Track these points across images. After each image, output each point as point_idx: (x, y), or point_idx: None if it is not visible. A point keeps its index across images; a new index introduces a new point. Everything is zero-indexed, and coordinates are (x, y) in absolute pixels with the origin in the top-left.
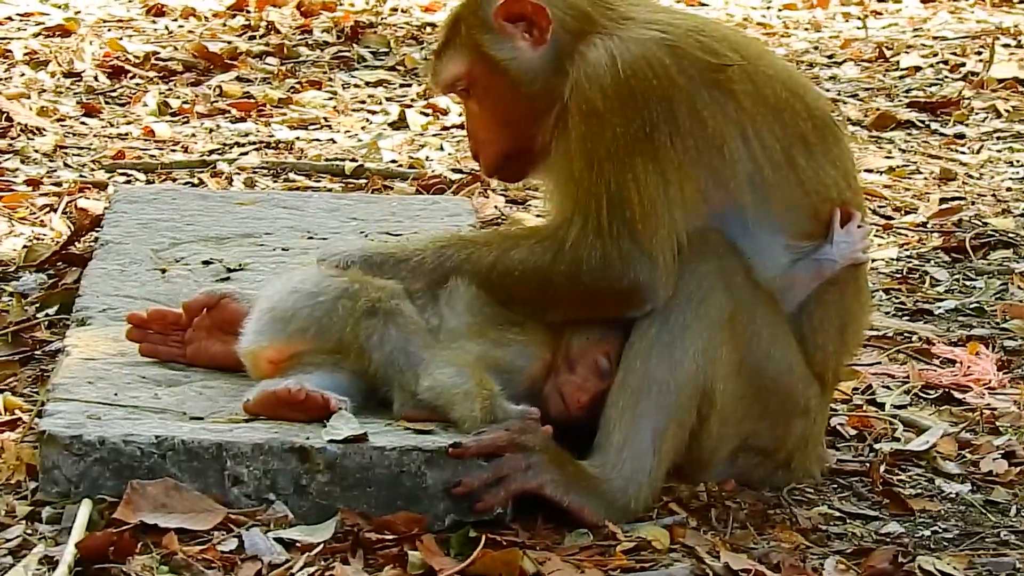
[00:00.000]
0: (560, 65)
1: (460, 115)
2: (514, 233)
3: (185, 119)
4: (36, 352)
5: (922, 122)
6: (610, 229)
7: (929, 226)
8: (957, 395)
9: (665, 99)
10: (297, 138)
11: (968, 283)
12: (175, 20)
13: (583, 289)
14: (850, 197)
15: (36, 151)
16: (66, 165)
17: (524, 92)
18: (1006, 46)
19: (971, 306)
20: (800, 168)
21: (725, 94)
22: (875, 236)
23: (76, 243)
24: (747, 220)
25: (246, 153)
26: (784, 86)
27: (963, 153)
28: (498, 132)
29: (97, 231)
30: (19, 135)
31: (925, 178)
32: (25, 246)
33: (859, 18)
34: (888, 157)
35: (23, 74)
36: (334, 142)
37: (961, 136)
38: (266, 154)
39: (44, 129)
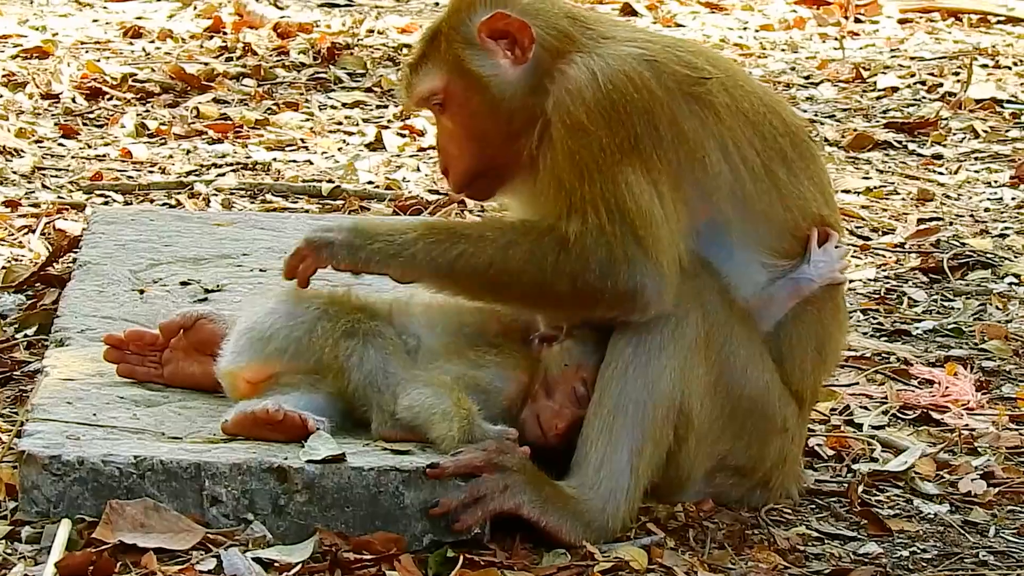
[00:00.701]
0: (539, 83)
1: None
2: (507, 227)
3: (162, 140)
4: (15, 373)
5: (900, 142)
6: (613, 230)
7: (907, 247)
8: (935, 416)
9: (647, 111)
10: (274, 159)
11: (946, 303)
12: (152, 42)
13: (585, 289)
14: (828, 214)
15: (14, 172)
16: (44, 186)
17: (502, 109)
18: (984, 66)
19: (949, 327)
20: (780, 182)
21: (704, 106)
22: (853, 257)
23: (54, 264)
24: (728, 235)
25: (223, 174)
26: (761, 101)
27: (941, 174)
28: (470, 149)
29: (75, 252)
30: None
31: (903, 198)
32: (3, 267)
33: (836, 39)
34: (866, 178)
35: (1, 96)
36: (311, 163)
37: (939, 156)
38: (243, 175)
39: (22, 150)
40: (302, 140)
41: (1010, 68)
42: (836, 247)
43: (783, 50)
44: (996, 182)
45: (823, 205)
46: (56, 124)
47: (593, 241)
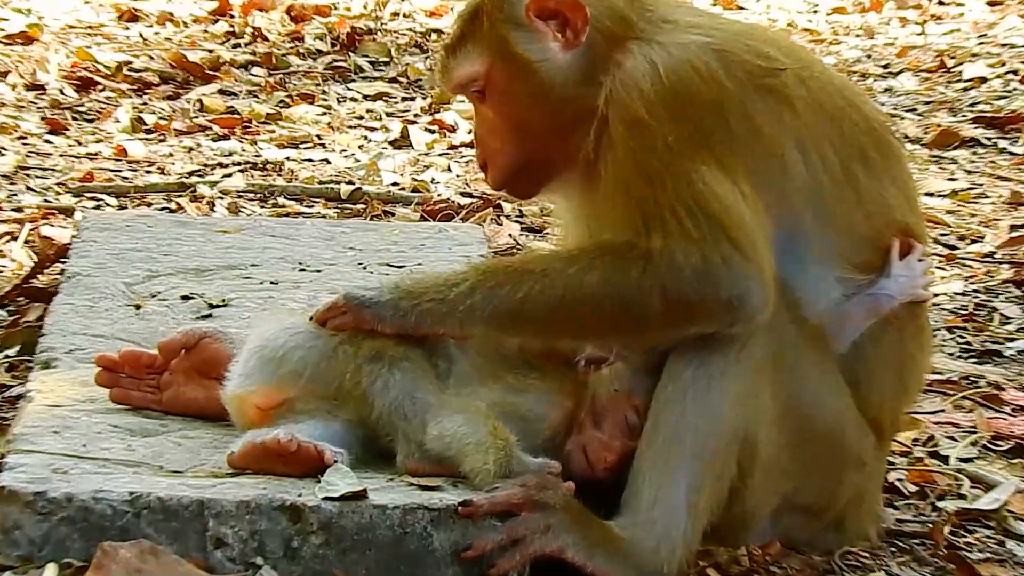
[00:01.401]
0: (591, 73)
1: (470, 132)
2: (574, 254)
3: (161, 137)
4: None
5: (989, 139)
6: (702, 235)
7: (998, 256)
8: None
9: (716, 106)
10: (287, 158)
11: None
12: (150, 26)
13: (680, 304)
14: (912, 222)
15: None
16: (28, 188)
17: (550, 98)
18: None
19: None
20: (861, 186)
21: (779, 100)
22: (937, 268)
23: (40, 276)
24: (803, 246)
25: (230, 175)
26: (839, 93)
27: None
28: (513, 141)
29: (63, 262)
30: None
31: (993, 202)
32: None
33: (917, 23)
34: (951, 179)
35: None
36: (328, 163)
37: None
38: (252, 176)
39: (3, 148)
40: (318, 136)
41: None
42: (920, 260)
43: (858, 36)
44: None
45: (907, 211)
46: (42, 118)
47: (682, 250)
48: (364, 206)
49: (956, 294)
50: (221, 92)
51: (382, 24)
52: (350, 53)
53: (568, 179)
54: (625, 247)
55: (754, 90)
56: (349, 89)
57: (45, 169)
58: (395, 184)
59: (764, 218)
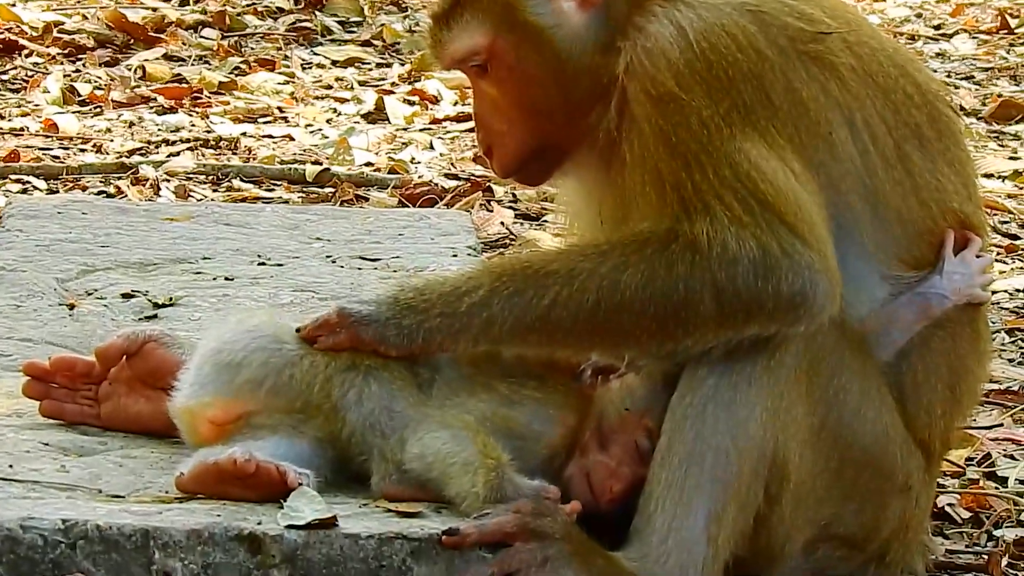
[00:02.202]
0: (609, 38)
1: (456, 103)
2: (606, 249)
3: (98, 109)
4: None
5: None
6: (754, 221)
7: None
8: None
9: (755, 76)
10: (244, 134)
11: None
12: None
13: (736, 302)
14: (971, 212)
15: None
16: None
17: (564, 70)
18: None
19: None
20: (915, 169)
21: (825, 68)
22: (996, 261)
23: None
24: (850, 236)
25: (177, 154)
26: (891, 60)
27: None
28: (522, 122)
29: None
30: None
31: None
32: None
33: None
34: (1013, 158)
35: None
36: (291, 139)
37: None
38: (203, 155)
39: None
40: (280, 109)
41: None
42: (977, 256)
43: None
44: None
45: (964, 199)
46: None
47: (735, 238)
48: (333, 190)
49: (1017, 291)
50: (167, 57)
51: None
52: (316, 12)
53: (582, 161)
54: (665, 237)
55: (797, 58)
56: (315, 54)
57: None
58: (369, 164)
59: (820, 199)
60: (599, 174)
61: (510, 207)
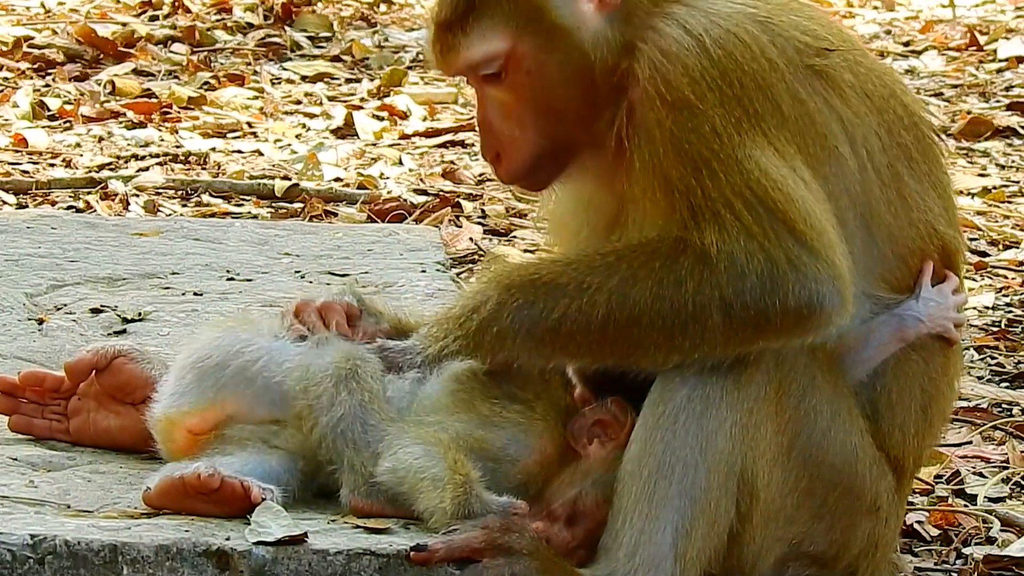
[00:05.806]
0: (627, 40)
1: (426, 119)
2: (613, 260)
3: (67, 124)
4: None
5: None
6: (763, 230)
7: None
8: None
9: (766, 85)
10: (213, 149)
11: None
12: None
13: (744, 315)
14: (950, 237)
15: None
16: None
17: (584, 73)
18: None
19: None
20: (906, 190)
21: (829, 83)
22: (966, 277)
23: None
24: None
25: (146, 169)
26: (882, 81)
27: None
28: (535, 126)
29: None
30: None
31: None
32: None
33: None
34: (982, 175)
35: None
36: (261, 154)
37: None
38: (172, 170)
39: None
40: (249, 124)
41: None
42: (954, 292)
43: (875, 8)
44: None
45: (947, 223)
46: None
47: (743, 249)
48: (302, 205)
49: (986, 308)
50: (136, 72)
51: None
52: (286, 27)
53: (586, 165)
54: (674, 248)
55: (803, 70)
56: (284, 69)
57: None
58: (338, 180)
59: (829, 207)
60: (600, 179)
61: (479, 223)
